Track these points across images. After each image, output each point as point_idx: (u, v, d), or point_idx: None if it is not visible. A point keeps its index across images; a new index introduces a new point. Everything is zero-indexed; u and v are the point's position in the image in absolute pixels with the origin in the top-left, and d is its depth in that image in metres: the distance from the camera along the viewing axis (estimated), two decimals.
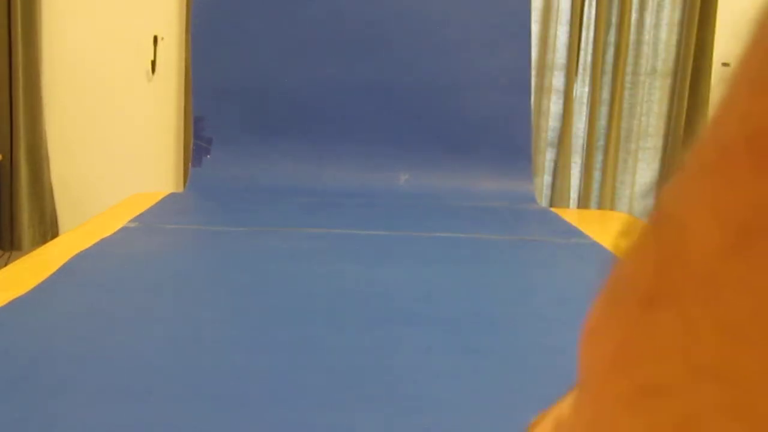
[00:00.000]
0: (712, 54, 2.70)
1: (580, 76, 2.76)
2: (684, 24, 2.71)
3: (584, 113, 2.78)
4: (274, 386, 0.51)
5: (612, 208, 2.78)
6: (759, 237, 0.10)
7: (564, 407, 0.20)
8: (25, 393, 0.49)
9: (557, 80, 2.75)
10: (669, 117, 2.80)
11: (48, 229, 2.60)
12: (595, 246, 1.04)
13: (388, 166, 1.54)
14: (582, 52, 2.75)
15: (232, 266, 0.84)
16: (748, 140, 0.11)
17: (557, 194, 2.79)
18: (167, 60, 2.62)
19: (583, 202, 2.79)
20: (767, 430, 0.10)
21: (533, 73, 2.68)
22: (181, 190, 2.60)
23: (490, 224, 1.20)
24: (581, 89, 2.78)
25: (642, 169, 2.84)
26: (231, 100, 1.86)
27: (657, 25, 2.74)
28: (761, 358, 0.10)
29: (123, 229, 1.01)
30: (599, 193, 2.80)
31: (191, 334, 0.61)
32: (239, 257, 0.88)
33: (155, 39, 2.58)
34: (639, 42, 2.75)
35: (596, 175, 2.80)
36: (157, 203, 1.24)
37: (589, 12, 2.72)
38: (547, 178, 2.82)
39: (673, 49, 2.75)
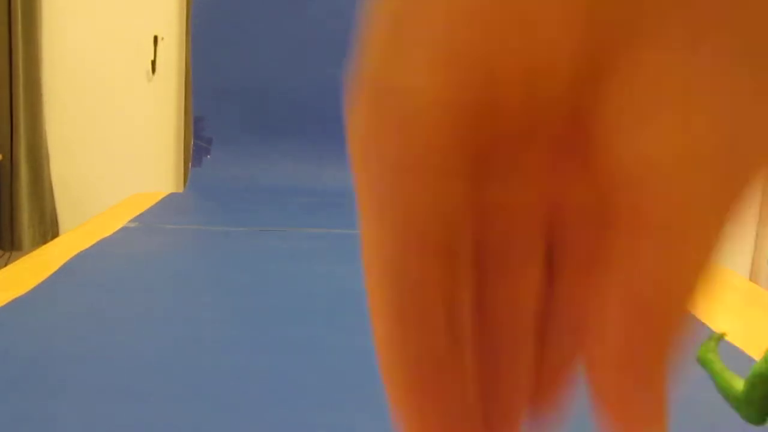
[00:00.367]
0: None
1: None
2: None
3: None
4: (274, 386, 0.52)
5: None
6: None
7: None
8: (25, 393, 0.49)
9: None
10: None
11: (48, 229, 2.60)
12: None
13: None
14: None
15: (232, 266, 0.84)
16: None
17: None
18: (167, 60, 2.62)
19: None
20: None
21: None
22: (181, 190, 2.60)
23: None
24: None
25: None
26: (231, 100, 1.86)
27: None
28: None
29: (123, 229, 1.01)
30: None
31: (191, 334, 0.61)
32: (239, 257, 0.88)
33: (155, 39, 2.58)
34: None
35: None
36: (157, 203, 1.24)
37: None
38: None
39: None
